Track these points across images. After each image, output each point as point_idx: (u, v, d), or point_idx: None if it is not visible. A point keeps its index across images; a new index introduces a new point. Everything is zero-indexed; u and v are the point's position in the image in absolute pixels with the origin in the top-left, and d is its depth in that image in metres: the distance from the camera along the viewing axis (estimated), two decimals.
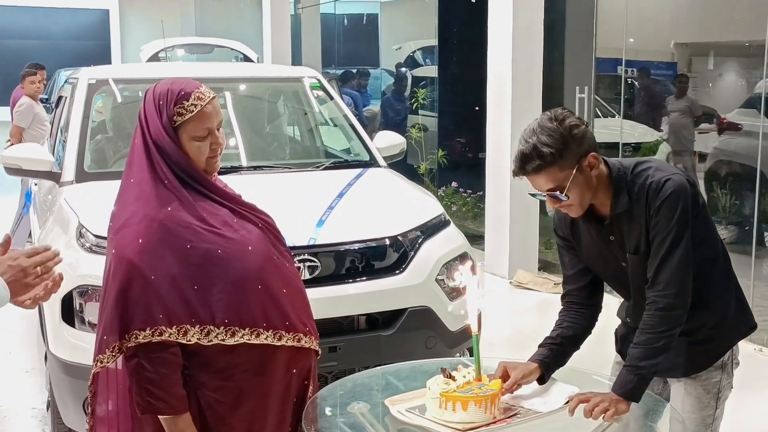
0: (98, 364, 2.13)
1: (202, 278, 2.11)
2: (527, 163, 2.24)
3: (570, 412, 2.25)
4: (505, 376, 2.36)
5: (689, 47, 11.18)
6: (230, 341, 2.13)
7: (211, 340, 2.11)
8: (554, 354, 2.47)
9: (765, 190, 6.65)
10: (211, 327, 2.11)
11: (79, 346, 3.33)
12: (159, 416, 2.12)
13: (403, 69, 12.39)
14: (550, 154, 2.20)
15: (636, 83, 9.88)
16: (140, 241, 2.09)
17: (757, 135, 6.31)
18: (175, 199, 2.15)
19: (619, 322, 2.68)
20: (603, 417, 2.21)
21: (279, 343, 2.21)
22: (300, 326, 2.27)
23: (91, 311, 3.33)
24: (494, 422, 2.20)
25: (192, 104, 2.16)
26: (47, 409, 3.87)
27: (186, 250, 2.11)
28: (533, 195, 2.34)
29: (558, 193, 2.26)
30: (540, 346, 2.50)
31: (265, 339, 2.18)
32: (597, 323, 2.61)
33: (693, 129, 8.74)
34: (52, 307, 3.43)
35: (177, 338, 2.08)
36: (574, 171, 2.24)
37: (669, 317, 2.28)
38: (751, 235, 6.07)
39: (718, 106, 9.35)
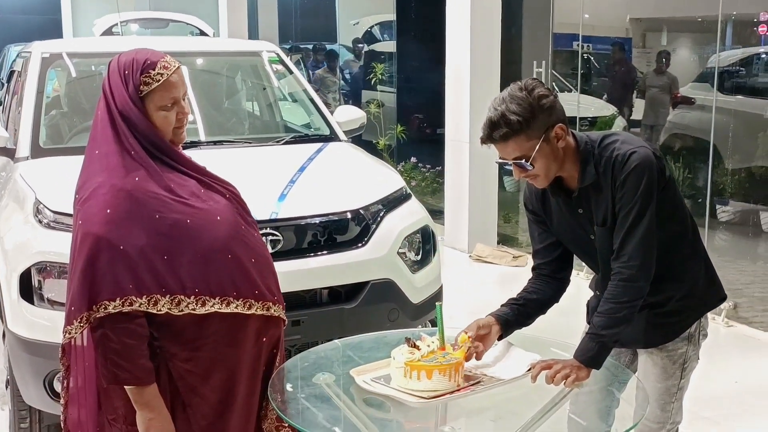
0: (66, 335, 2.12)
1: (171, 248, 2.11)
2: (495, 130, 2.26)
3: (532, 379, 2.30)
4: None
5: (643, 22, 11.30)
6: (201, 311, 2.13)
7: (182, 310, 2.11)
8: (515, 313, 2.51)
9: (717, 164, 6.79)
10: (182, 297, 2.11)
11: (38, 323, 3.30)
12: (125, 387, 2.12)
13: (360, 45, 12.37)
14: (517, 122, 2.23)
15: (591, 58, 9.97)
16: (108, 211, 2.08)
17: (710, 109, 6.42)
18: (142, 169, 2.13)
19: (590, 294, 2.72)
20: (564, 383, 2.26)
21: (249, 312, 2.22)
22: (269, 295, 2.28)
23: (50, 288, 3.29)
24: (458, 390, 2.24)
25: (158, 73, 2.15)
26: (6, 387, 3.83)
27: (154, 220, 2.10)
28: (500, 163, 2.36)
29: (524, 161, 2.28)
30: (501, 305, 2.54)
31: (236, 308, 2.19)
32: (568, 298, 2.66)
33: (669, 105, 8.87)
34: (10, 283, 3.38)
35: (147, 308, 2.07)
36: (541, 141, 2.26)
37: (632, 288, 2.32)
38: (704, 207, 6.20)
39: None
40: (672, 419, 2.57)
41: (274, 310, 2.29)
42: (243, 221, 2.31)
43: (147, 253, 2.08)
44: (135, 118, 2.14)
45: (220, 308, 2.16)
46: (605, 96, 9.59)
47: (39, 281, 3.32)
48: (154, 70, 2.15)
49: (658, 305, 2.45)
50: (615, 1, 10.27)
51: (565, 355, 2.43)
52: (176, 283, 2.11)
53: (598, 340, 2.31)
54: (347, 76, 12.10)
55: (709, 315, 5.44)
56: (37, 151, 4.09)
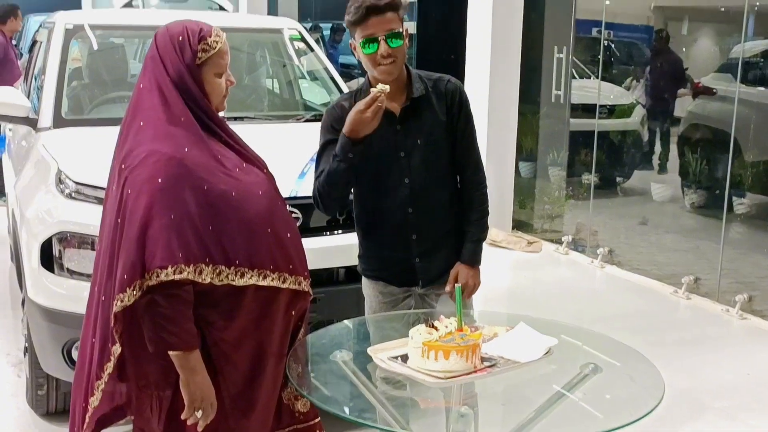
0: (118, 302, 2.07)
1: (217, 219, 2.13)
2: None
3: (450, 296, 2.62)
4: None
5: (665, 11, 11.20)
6: (239, 282, 2.16)
7: (222, 280, 2.14)
8: None
9: (736, 156, 6.74)
10: (223, 267, 2.14)
11: (59, 292, 3.33)
12: (170, 352, 2.13)
13: None
14: (399, 1, 2.55)
15: (612, 45, 9.89)
16: (159, 180, 2.08)
17: (732, 100, 6.37)
18: (191, 138, 2.15)
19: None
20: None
21: (283, 286, 2.26)
22: (300, 269, 2.32)
23: (71, 257, 3.32)
24: (475, 371, 2.25)
25: (214, 41, 2.21)
26: (24, 354, 3.87)
27: (203, 191, 2.12)
28: (368, 40, 2.53)
29: (399, 30, 2.53)
30: None
31: (271, 281, 2.23)
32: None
33: (675, 89, 8.88)
34: (31, 252, 3.41)
35: (194, 277, 2.09)
36: (404, 29, 2.58)
37: (486, 194, 2.83)
38: (722, 199, 6.17)
39: (693, 71, 9.40)
40: None
41: (304, 285, 2.33)
42: (279, 197, 2.36)
43: (195, 222, 2.10)
44: (191, 86, 2.17)
45: (257, 281, 2.19)
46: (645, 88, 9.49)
47: (60, 251, 3.35)
48: (210, 37, 2.20)
49: None
50: None
51: (577, 343, 2.48)
52: (220, 254, 2.13)
53: (480, 243, 2.79)
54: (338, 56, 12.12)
55: (722, 307, 5.49)
56: (59, 122, 4.11)
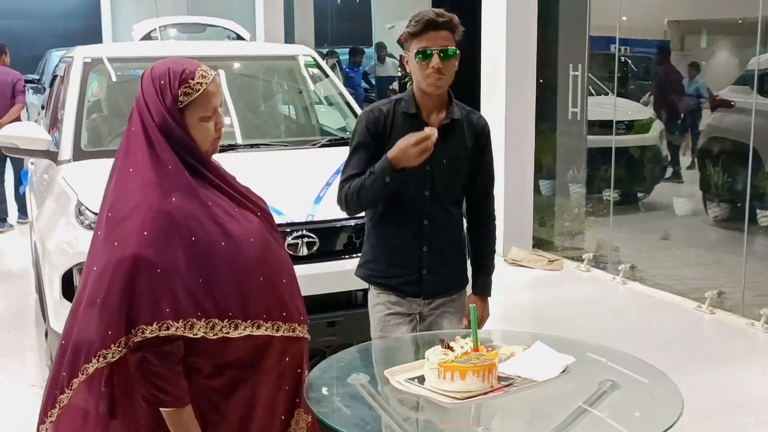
0: (101, 359, 2.01)
1: (206, 271, 2.06)
2: (441, 17, 2.68)
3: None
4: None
5: (681, 25, 11.18)
6: (234, 334, 2.09)
7: (216, 334, 2.06)
8: None
9: (757, 167, 6.69)
10: (216, 320, 2.06)
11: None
12: (162, 410, 2.07)
13: (383, 50, 12.54)
14: (456, 20, 2.72)
15: (629, 61, 9.89)
16: (145, 233, 2.01)
17: (750, 112, 6.34)
18: (179, 187, 2.07)
19: None
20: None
21: (277, 334, 2.19)
22: (296, 315, 2.25)
23: None
24: (492, 391, 2.24)
25: (198, 83, 2.10)
26: None
27: (191, 242, 2.04)
28: (422, 52, 2.66)
29: (452, 48, 2.68)
30: None
31: (265, 330, 2.15)
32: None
33: (679, 100, 8.98)
34: (52, 284, 3.46)
35: (184, 332, 2.02)
36: (457, 52, 2.72)
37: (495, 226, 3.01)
38: (744, 212, 6.13)
39: (711, 84, 9.37)
40: None
41: (299, 331, 2.26)
42: (273, 240, 2.27)
43: (184, 276, 2.02)
44: (174, 131, 2.08)
45: (251, 331, 2.12)
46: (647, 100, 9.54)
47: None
48: (193, 80, 2.10)
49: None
50: (653, 3, 10.18)
51: (602, 360, 2.46)
52: (212, 307, 2.06)
53: (491, 276, 2.97)
54: (372, 80, 12.19)
55: (747, 321, 5.44)
56: (79, 154, 4.18)
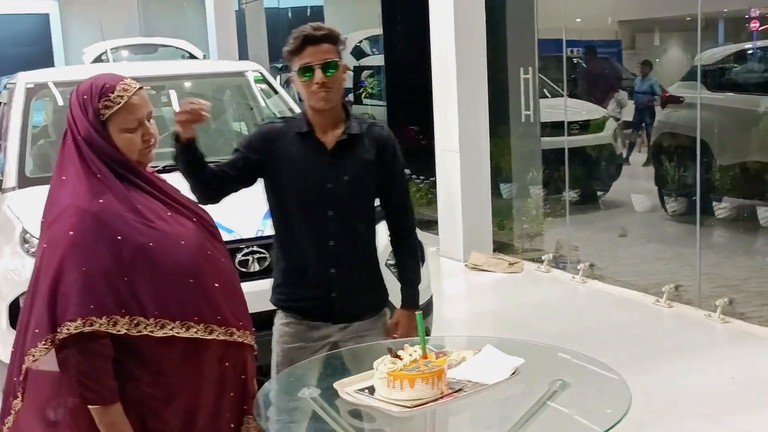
0: (30, 358, 2.09)
1: (132, 270, 2.11)
2: (318, 30, 2.60)
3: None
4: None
5: (632, 24, 11.34)
6: (159, 333, 2.13)
7: (140, 331, 2.11)
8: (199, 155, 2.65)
9: (707, 160, 6.79)
10: (141, 318, 2.11)
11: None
12: (90, 407, 2.11)
13: (354, 60, 12.46)
14: (335, 32, 2.64)
15: (581, 61, 10.01)
16: (71, 233, 2.09)
17: (698, 106, 6.43)
18: (108, 191, 2.14)
19: None
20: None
21: (210, 337, 2.20)
22: (233, 320, 2.26)
23: None
24: (442, 397, 2.24)
25: (118, 96, 2.18)
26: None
27: (117, 242, 2.11)
28: (304, 69, 2.57)
29: (335, 60, 2.60)
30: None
31: (195, 332, 2.18)
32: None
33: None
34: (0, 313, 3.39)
35: (107, 328, 2.07)
36: (341, 61, 2.64)
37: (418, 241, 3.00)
38: (695, 204, 6.22)
39: (663, 81, 9.52)
40: None
41: (238, 336, 2.27)
42: (210, 246, 2.30)
43: (109, 274, 2.09)
44: (98, 144, 2.16)
45: (179, 332, 2.15)
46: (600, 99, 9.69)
47: None
48: (113, 93, 2.17)
49: None
50: (600, 4, 10.32)
51: (552, 360, 2.45)
52: (136, 305, 2.11)
53: (417, 288, 2.88)
54: None
55: (704, 312, 5.51)
56: (24, 181, 4.12)
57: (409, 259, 2.88)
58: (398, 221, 2.87)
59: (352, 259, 2.74)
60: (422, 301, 3.94)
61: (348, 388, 2.32)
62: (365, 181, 2.74)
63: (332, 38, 2.62)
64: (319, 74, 2.58)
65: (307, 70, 2.59)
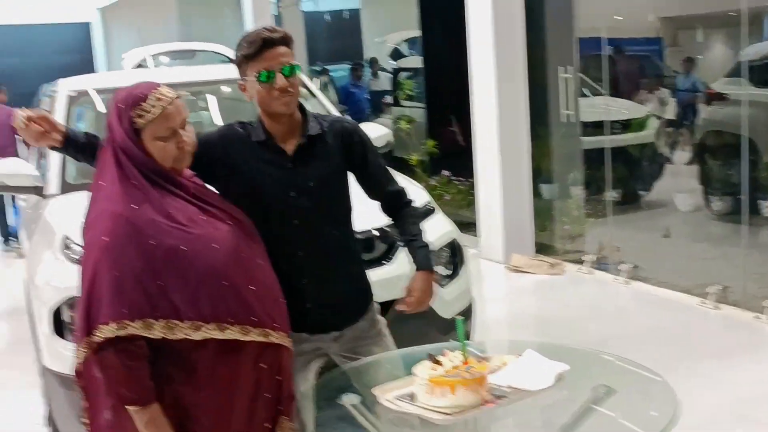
0: (76, 360, 2.19)
1: (165, 274, 2.13)
2: (275, 32, 2.48)
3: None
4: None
5: (674, 21, 11.16)
6: (195, 336, 2.15)
7: (176, 335, 2.13)
8: (85, 143, 2.53)
9: (754, 158, 6.63)
10: (176, 321, 2.13)
11: (72, 358, 3.32)
12: (128, 407, 2.14)
13: (376, 64, 12.51)
14: (290, 35, 2.52)
15: (622, 60, 9.87)
16: (105, 238, 2.13)
17: (744, 103, 6.29)
18: (142, 196, 2.19)
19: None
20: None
21: (246, 338, 2.21)
22: (268, 321, 2.26)
23: None
24: (484, 404, 2.20)
25: (151, 105, 2.21)
26: (46, 423, 3.87)
27: (150, 247, 2.13)
28: (264, 74, 2.42)
29: (296, 64, 2.48)
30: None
31: (231, 334, 2.19)
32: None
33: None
34: (42, 320, 3.42)
35: (142, 332, 2.10)
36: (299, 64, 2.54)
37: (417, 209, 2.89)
38: (744, 204, 6.08)
39: (706, 77, 9.34)
40: None
41: (274, 337, 2.27)
42: (245, 248, 2.30)
43: (141, 278, 2.12)
44: (132, 151, 2.21)
45: (215, 334, 2.17)
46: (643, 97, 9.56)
47: (71, 316, 3.36)
48: (146, 102, 2.21)
49: None
50: (639, 2, 10.17)
51: (596, 365, 2.39)
52: (170, 308, 2.13)
53: (428, 248, 2.75)
54: (366, 95, 12.15)
55: (753, 313, 5.36)
56: (65, 187, 4.16)
57: (411, 227, 2.75)
58: (391, 201, 2.77)
59: (324, 267, 2.57)
60: (463, 305, 3.94)
61: (388, 394, 2.30)
62: (334, 184, 2.60)
63: (288, 40, 2.51)
64: (280, 78, 2.44)
65: (267, 75, 2.44)
